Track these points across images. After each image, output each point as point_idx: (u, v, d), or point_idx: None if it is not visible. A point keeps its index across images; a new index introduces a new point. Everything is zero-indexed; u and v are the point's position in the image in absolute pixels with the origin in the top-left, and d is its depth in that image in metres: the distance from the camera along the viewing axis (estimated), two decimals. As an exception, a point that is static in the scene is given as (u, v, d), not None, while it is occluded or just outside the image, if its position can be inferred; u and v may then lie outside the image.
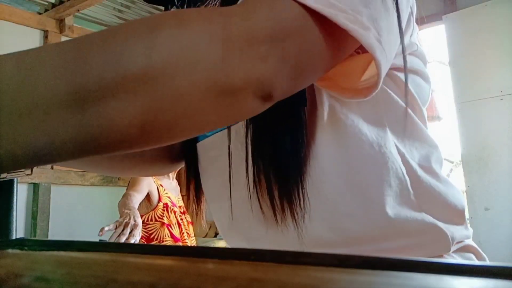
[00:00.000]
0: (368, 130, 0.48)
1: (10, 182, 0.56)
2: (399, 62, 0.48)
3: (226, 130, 0.53)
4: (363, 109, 0.48)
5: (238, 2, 0.37)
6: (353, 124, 0.48)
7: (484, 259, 0.53)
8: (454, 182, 0.54)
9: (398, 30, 0.41)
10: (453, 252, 0.50)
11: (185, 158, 0.65)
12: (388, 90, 0.50)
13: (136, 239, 1.82)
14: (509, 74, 2.33)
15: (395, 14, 0.41)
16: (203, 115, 0.31)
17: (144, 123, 0.29)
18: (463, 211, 0.52)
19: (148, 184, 2.24)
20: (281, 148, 0.48)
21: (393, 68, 0.49)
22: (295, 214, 0.47)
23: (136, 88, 0.28)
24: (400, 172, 0.48)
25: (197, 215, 0.64)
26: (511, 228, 2.25)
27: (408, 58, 0.50)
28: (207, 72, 0.30)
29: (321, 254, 0.18)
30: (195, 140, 0.61)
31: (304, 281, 0.15)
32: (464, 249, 0.52)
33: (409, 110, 0.51)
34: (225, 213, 0.55)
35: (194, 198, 0.63)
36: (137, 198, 2.11)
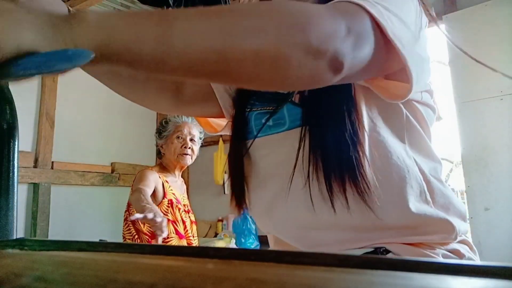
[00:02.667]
0: (394, 145, 0.63)
1: (10, 182, 0.56)
2: (417, 97, 0.66)
3: (273, 135, 0.68)
4: (390, 129, 0.64)
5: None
6: (383, 140, 0.62)
7: (474, 251, 0.67)
8: (454, 182, 0.65)
9: (428, 71, 0.62)
10: (457, 243, 0.65)
11: (232, 155, 0.76)
12: (409, 115, 0.65)
13: (163, 234, 1.83)
14: (509, 74, 2.33)
15: (428, 60, 0.60)
16: (289, 70, 0.44)
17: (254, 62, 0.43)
18: (464, 211, 0.68)
19: (155, 180, 2.24)
20: (341, 145, 0.60)
21: (413, 101, 0.66)
22: (366, 198, 0.59)
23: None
24: (418, 178, 0.63)
25: (234, 199, 0.74)
26: (511, 228, 2.24)
27: (424, 94, 0.67)
28: (303, 33, 0.43)
29: (321, 254, 0.18)
30: (245, 139, 0.73)
31: (304, 281, 0.15)
32: (462, 242, 0.67)
33: (423, 132, 0.67)
34: (264, 202, 0.70)
35: (238, 189, 0.74)
36: (148, 192, 2.12)
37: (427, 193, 0.63)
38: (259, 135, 0.70)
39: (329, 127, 0.62)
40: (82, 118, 3.40)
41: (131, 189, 2.30)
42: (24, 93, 3.03)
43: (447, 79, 2.60)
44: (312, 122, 0.64)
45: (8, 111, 0.59)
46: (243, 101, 0.76)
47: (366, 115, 0.62)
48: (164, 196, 2.26)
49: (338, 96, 0.63)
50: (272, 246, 0.75)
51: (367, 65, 0.50)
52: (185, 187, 2.54)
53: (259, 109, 0.72)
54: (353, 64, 0.48)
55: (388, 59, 0.53)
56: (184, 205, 2.36)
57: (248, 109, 0.74)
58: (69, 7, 0.43)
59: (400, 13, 0.52)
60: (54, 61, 0.36)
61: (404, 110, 0.65)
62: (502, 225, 2.27)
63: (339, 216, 0.61)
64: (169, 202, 2.27)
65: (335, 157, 0.60)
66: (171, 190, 2.31)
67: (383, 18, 0.49)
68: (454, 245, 0.64)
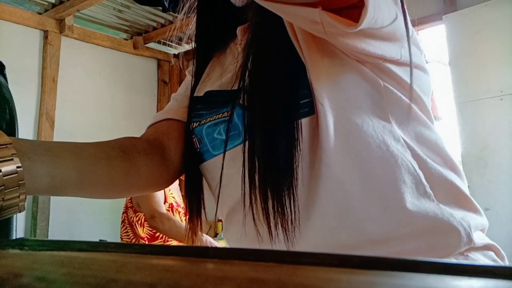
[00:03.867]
0: (374, 131, 0.49)
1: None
2: (393, 53, 0.50)
3: (231, 151, 0.54)
4: (368, 109, 0.49)
5: None
6: (358, 128, 0.48)
7: (502, 257, 0.55)
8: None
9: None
10: (479, 251, 0.52)
11: (188, 179, 0.63)
12: (390, 86, 0.51)
13: None
14: (509, 74, 2.33)
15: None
16: None
17: None
18: (472, 199, 0.55)
19: None
20: (273, 162, 0.48)
21: (388, 63, 0.51)
22: (287, 229, 0.47)
23: None
24: (411, 167, 0.49)
25: (192, 230, 0.62)
26: (511, 228, 2.24)
27: (406, 51, 0.51)
28: None
29: (321, 254, 0.18)
30: (198, 161, 0.60)
31: (304, 281, 0.15)
32: (487, 248, 0.53)
33: (412, 104, 0.52)
34: (237, 230, 0.56)
35: (194, 214, 0.61)
36: (169, 215, 2.14)
37: (426, 184, 0.49)
38: (216, 153, 0.57)
39: (268, 130, 0.49)
40: (82, 118, 3.40)
41: (131, 201, 2.29)
42: (24, 93, 3.03)
43: (447, 79, 2.60)
44: (252, 128, 0.51)
45: (7, 111, 0.59)
46: (190, 114, 0.63)
47: (329, 99, 0.48)
48: (165, 200, 2.27)
49: (284, 89, 0.50)
50: None
51: None
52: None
53: (208, 120, 0.58)
54: None
55: None
56: (183, 207, 2.37)
57: (196, 123, 0.60)
58: None
59: None
60: None
61: (381, 81, 0.50)
62: (502, 225, 2.26)
63: (306, 239, 0.49)
64: (170, 206, 2.28)
65: (274, 172, 0.48)
66: (171, 194, 2.32)
67: None
68: (476, 255, 0.51)
